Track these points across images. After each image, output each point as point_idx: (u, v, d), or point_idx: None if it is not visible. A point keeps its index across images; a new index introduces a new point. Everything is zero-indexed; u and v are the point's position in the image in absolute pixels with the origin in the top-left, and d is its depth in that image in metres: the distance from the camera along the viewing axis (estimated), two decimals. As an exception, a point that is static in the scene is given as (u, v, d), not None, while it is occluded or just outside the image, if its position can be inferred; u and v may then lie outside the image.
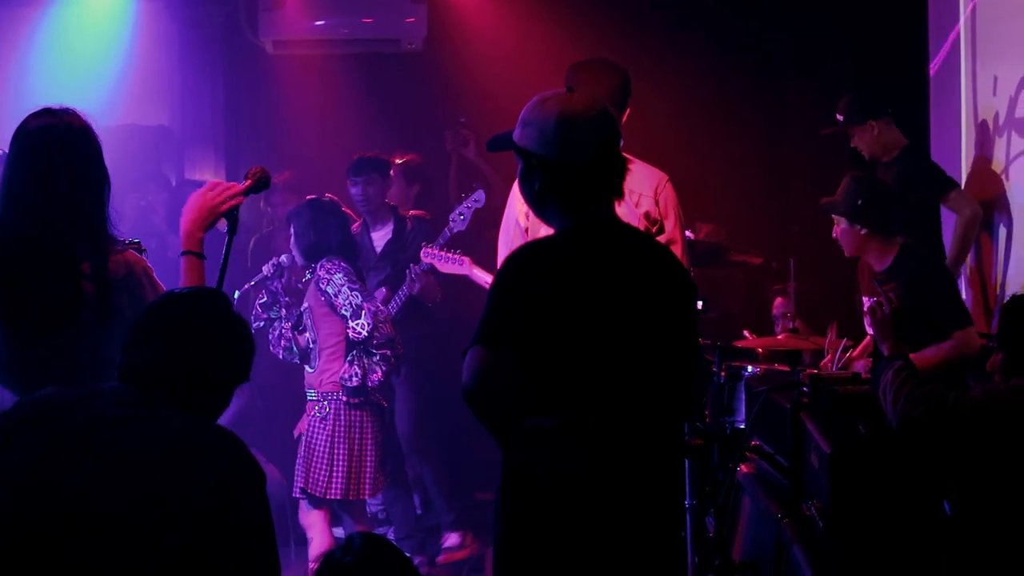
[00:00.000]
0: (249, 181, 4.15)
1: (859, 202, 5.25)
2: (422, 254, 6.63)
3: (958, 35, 6.83)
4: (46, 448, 2.87)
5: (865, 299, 5.37)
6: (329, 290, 6.17)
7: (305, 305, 6.38)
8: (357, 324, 6.11)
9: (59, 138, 3.80)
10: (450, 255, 6.39)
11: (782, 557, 4.38)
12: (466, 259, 6.31)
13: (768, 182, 8.72)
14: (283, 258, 6.63)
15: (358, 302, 6.12)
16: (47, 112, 3.85)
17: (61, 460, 2.84)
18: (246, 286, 6.75)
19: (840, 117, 6.43)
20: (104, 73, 8.34)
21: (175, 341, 3.04)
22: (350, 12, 8.71)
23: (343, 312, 6.14)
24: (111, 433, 2.88)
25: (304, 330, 6.37)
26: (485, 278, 6.23)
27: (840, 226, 5.34)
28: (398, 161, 7.64)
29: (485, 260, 6.06)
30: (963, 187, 6.51)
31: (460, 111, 8.62)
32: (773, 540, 4.48)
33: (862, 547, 3.97)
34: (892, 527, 3.97)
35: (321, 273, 6.21)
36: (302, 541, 6.59)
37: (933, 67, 7.35)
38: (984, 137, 6.56)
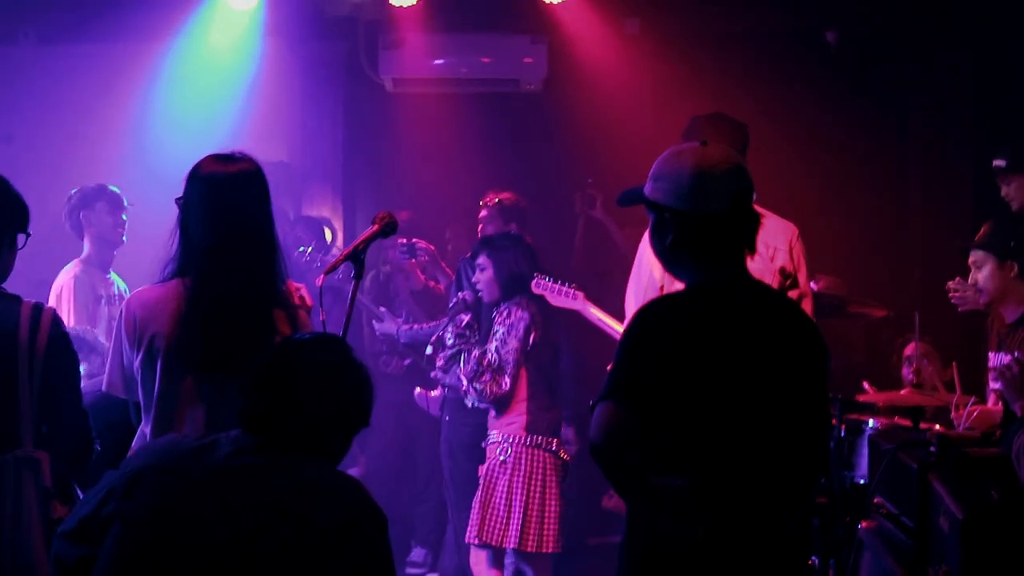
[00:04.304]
0: (376, 226, 4.20)
1: (1012, 243, 5.13)
2: (533, 284, 6.21)
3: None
4: (166, 496, 2.89)
5: (991, 355, 5.23)
6: (500, 332, 6.13)
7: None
8: (496, 379, 6.08)
9: (255, 190, 3.88)
10: (563, 287, 6.06)
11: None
12: (580, 293, 6.03)
13: (888, 232, 8.56)
14: (466, 294, 6.47)
15: (511, 359, 6.09)
16: (231, 159, 3.90)
17: (182, 510, 2.87)
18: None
19: (1002, 163, 6.17)
20: (226, 109, 8.43)
21: (295, 389, 3.04)
22: (469, 52, 8.74)
23: (490, 357, 6.09)
24: (233, 483, 2.90)
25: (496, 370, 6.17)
26: (599, 316, 6.00)
27: (982, 272, 5.20)
28: (494, 199, 7.40)
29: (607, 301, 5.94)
30: None
31: (579, 152, 8.58)
32: (896, 601, 4.39)
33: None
34: (1025, 596, 3.87)
35: (514, 311, 6.18)
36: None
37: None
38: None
